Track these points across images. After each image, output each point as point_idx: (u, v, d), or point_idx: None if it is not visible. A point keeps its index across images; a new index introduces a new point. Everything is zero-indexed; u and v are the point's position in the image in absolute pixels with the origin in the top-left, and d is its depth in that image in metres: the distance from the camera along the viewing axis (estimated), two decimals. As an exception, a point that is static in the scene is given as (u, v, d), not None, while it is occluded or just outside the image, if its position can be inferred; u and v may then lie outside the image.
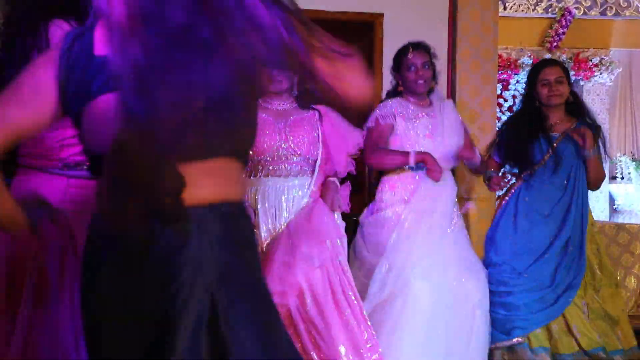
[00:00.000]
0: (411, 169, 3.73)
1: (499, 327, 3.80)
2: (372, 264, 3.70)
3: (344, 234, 3.59)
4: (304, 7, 5.12)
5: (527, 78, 4.00)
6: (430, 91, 3.95)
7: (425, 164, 3.66)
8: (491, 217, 5.12)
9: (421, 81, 3.83)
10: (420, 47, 3.90)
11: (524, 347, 3.74)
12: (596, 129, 3.89)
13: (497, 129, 5.23)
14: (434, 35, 5.21)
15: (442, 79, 5.22)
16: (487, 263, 3.89)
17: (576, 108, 3.94)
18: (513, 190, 3.89)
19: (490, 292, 3.80)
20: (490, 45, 5.21)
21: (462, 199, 5.14)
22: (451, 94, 5.22)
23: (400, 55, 3.90)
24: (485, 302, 3.77)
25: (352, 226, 3.97)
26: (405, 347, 3.55)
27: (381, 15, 5.15)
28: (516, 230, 3.81)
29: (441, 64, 5.20)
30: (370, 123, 3.84)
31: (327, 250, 3.49)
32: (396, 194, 3.79)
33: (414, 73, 3.82)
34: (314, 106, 3.66)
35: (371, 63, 5.03)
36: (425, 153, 3.69)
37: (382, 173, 3.92)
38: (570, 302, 3.70)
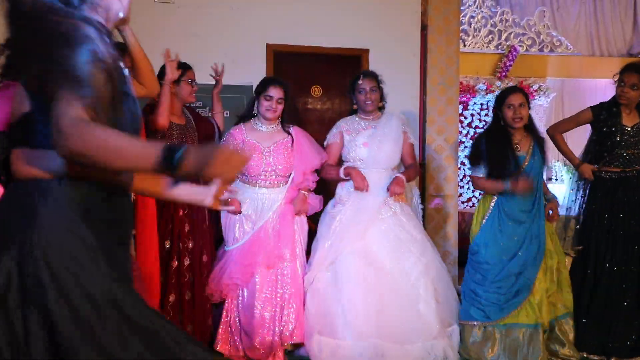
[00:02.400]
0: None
1: (478, 310, 3.65)
2: (321, 235, 3.75)
3: (306, 230, 3.76)
4: (308, 44, 5.07)
5: (495, 101, 3.79)
6: (381, 108, 3.89)
7: (350, 176, 3.68)
8: (455, 211, 5.08)
9: (369, 102, 3.79)
10: (369, 75, 3.86)
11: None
12: (544, 144, 3.81)
13: (458, 140, 5.19)
14: (409, 66, 5.19)
15: (416, 101, 5.20)
16: (476, 261, 3.72)
17: (531, 128, 3.81)
18: (492, 204, 3.71)
19: (477, 283, 3.68)
20: (453, 74, 5.17)
21: (431, 196, 5.08)
22: (423, 112, 5.17)
23: (354, 81, 3.85)
24: (430, 273, 3.64)
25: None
26: (356, 309, 3.49)
27: (367, 50, 5.10)
28: (502, 235, 3.65)
29: (415, 89, 5.18)
30: (329, 139, 3.91)
31: (284, 254, 3.61)
32: (343, 189, 3.80)
33: (363, 95, 3.79)
34: (288, 126, 3.75)
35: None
36: (352, 168, 3.72)
37: None
38: (532, 287, 3.58)
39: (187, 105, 3.77)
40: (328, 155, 3.81)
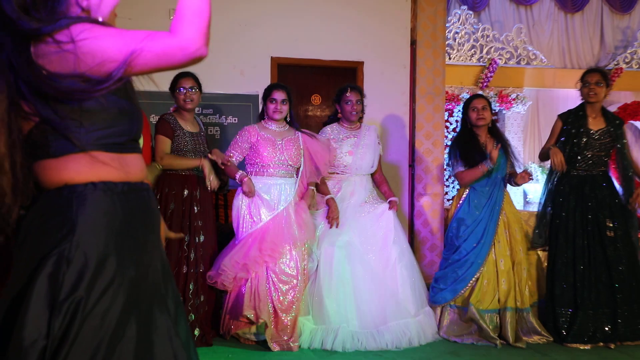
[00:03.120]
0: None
1: (450, 290, 3.74)
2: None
3: (314, 223, 3.74)
4: (308, 57, 5.17)
5: (462, 107, 3.96)
6: (361, 119, 3.97)
7: (328, 206, 3.75)
8: (441, 208, 5.17)
9: (354, 113, 3.86)
10: (355, 88, 3.94)
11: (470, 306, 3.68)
12: (508, 145, 3.94)
13: (444, 144, 5.27)
14: (400, 77, 5.25)
15: (406, 108, 5.26)
16: (450, 245, 3.85)
17: (495, 130, 3.94)
18: (464, 195, 3.85)
19: (449, 265, 3.80)
20: (440, 85, 5.22)
21: (419, 195, 5.16)
22: (412, 119, 5.22)
23: (342, 92, 3.90)
24: (405, 259, 3.74)
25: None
26: (335, 294, 3.55)
27: (362, 62, 5.14)
28: (472, 222, 3.76)
29: (405, 98, 5.25)
30: None
31: (305, 237, 3.62)
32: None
33: (349, 106, 3.84)
34: (301, 130, 3.80)
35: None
36: (332, 201, 3.76)
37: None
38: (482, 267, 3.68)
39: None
40: None
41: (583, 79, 3.85)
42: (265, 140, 3.63)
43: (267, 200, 3.59)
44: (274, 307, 3.49)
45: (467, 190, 3.86)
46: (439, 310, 3.80)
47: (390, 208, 3.83)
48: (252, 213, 3.58)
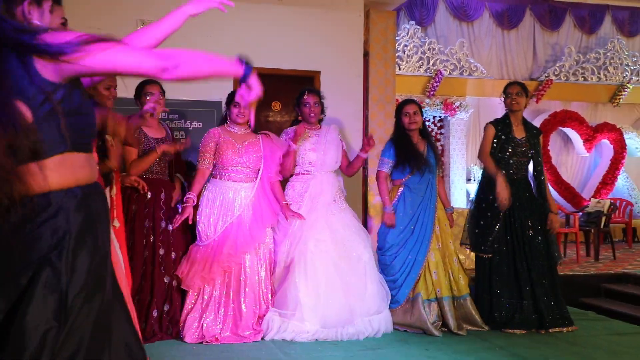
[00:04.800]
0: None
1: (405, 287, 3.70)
2: (280, 240, 3.64)
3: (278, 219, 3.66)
4: (267, 66, 5.07)
5: (395, 111, 3.94)
6: (320, 120, 3.89)
7: (296, 136, 3.63)
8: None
9: (313, 114, 3.79)
10: (313, 91, 3.86)
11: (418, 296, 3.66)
12: (435, 147, 3.97)
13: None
14: (354, 86, 5.26)
15: (360, 114, 5.28)
16: (383, 244, 3.79)
17: (425, 134, 3.97)
18: (399, 193, 3.83)
19: (398, 272, 3.71)
20: (390, 93, 5.27)
21: (372, 195, 5.18)
22: (365, 125, 5.24)
23: (300, 96, 3.83)
24: (371, 258, 3.69)
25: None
26: (310, 292, 3.47)
27: (319, 72, 5.15)
28: (405, 219, 3.74)
29: (358, 105, 5.26)
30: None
31: (265, 235, 3.55)
32: (295, 191, 3.75)
33: (308, 108, 3.78)
34: (260, 132, 3.70)
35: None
36: (292, 133, 3.67)
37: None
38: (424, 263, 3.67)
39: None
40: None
41: (505, 91, 3.96)
42: (227, 143, 3.55)
43: (225, 206, 3.50)
44: (239, 303, 3.42)
45: (402, 187, 3.82)
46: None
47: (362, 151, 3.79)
48: (211, 221, 3.50)
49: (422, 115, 3.89)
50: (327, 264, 3.54)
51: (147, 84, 3.43)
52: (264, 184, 3.63)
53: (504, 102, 3.96)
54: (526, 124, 3.98)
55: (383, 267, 3.75)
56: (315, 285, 3.48)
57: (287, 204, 3.65)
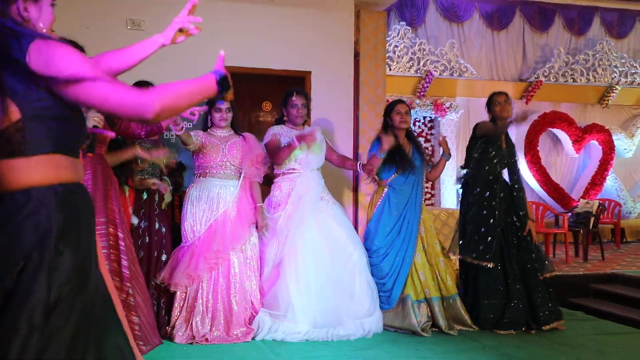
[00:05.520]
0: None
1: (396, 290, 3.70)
2: (269, 240, 3.63)
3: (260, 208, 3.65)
4: (258, 66, 5.07)
5: (385, 110, 3.97)
6: (305, 122, 3.92)
7: (303, 139, 3.60)
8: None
9: (299, 117, 3.81)
10: (301, 93, 3.87)
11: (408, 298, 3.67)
12: (421, 148, 4.01)
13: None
14: (344, 86, 5.25)
15: (350, 115, 5.27)
16: (370, 246, 3.79)
17: (411, 135, 4.00)
18: (384, 194, 3.84)
19: (388, 274, 3.71)
20: (381, 94, 5.27)
21: (363, 195, 5.18)
22: (356, 125, 5.24)
23: (288, 96, 3.83)
24: (362, 259, 3.67)
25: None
26: (301, 293, 3.47)
27: (310, 72, 5.13)
28: (391, 221, 3.76)
29: (349, 105, 5.26)
30: (267, 139, 3.82)
31: (250, 231, 3.56)
32: (282, 191, 3.74)
33: (295, 110, 3.80)
34: (242, 133, 3.73)
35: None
36: (302, 134, 3.65)
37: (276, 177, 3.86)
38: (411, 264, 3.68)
39: None
40: (271, 146, 3.76)
41: (492, 99, 3.98)
42: (212, 145, 3.58)
43: (210, 202, 3.51)
44: (229, 302, 3.41)
45: (386, 189, 3.84)
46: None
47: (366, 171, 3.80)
48: (195, 219, 3.51)
49: (410, 116, 3.92)
50: (317, 264, 3.53)
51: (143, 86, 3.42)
52: (247, 183, 3.65)
53: (493, 110, 3.96)
54: (507, 135, 4.05)
55: (372, 269, 3.75)
56: (306, 285, 3.47)
57: (261, 206, 3.65)
